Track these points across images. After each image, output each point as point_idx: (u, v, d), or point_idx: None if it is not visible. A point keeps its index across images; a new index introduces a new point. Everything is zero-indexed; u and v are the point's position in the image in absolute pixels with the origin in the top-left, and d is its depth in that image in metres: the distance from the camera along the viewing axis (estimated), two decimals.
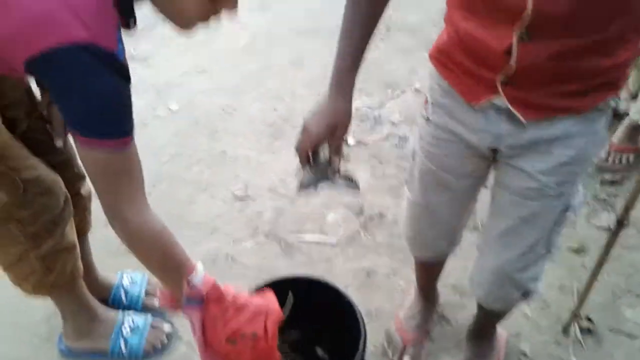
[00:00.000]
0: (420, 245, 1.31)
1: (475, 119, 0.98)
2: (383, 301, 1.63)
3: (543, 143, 0.95)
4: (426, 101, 1.09)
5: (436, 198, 1.16)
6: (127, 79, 0.84)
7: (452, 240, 1.28)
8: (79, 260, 1.31)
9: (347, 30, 0.91)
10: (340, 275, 1.70)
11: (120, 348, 1.46)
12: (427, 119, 1.08)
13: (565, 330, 1.54)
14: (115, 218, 0.90)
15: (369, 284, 1.68)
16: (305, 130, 0.94)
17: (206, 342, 0.99)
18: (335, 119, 0.93)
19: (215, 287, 0.96)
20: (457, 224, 1.24)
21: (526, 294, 1.14)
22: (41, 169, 1.15)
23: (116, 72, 0.81)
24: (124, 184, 0.89)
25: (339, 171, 0.97)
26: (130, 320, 1.50)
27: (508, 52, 0.85)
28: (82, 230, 1.41)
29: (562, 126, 0.92)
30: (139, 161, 0.92)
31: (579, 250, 1.76)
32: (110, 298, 1.58)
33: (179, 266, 0.96)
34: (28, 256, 1.19)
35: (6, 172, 1.07)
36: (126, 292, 1.59)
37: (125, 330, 1.48)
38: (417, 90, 2.50)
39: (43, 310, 1.54)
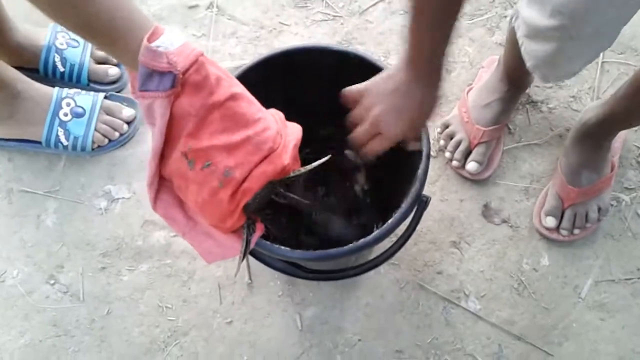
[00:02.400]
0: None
1: None
2: None
3: None
4: None
5: None
6: None
7: None
8: None
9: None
10: (379, 38, 1.15)
11: (59, 138, 1.02)
12: None
13: None
14: None
15: None
16: (375, 123, 0.67)
17: (163, 147, 0.54)
18: (427, 115, 0.66)
19: (200, 66, 0.51)
20: None
21: None
22: None
23: None
24: None
25: None
26: (72, 101, 1.03)
27: None
28: None
29: None
30: None
31: None
32: (41, 65, 1.08)
33: (121, 24, 0.50)
34: None
35: None
36: (62, 57, 1.09)
37: (65, 114, 1.02)
38: None
39: None
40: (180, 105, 0.51)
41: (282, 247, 0.66)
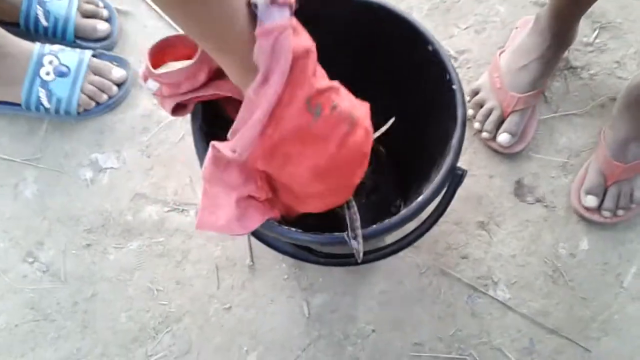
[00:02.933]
0: None
1: None
2: (468, 39, 0.99)
3: None
4: None
5: None
6: None
7: None
8: None
9: None
10: None
11: (40, 100, 0.91)
12: None
13: None
14: None
15: (446, 8, 1.02)
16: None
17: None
18: None
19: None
20: None
21: None
22: None
23: None
24: None
25: None
26: (55, 58, 0.92)
27: None
28: None
29: None
30: None
31: None
32: (21, 18, 0.96)
33: None
34: None
35: None
36: (46, 10, 0.97)
37: (47, 73, 0.91)
38: None
39: None
40: (296, 40, 0.41)
41: (293, 229, 0.55)
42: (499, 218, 0.87)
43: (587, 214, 0.85)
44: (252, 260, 0.86)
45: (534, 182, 0.89)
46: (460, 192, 0.87)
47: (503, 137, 0.87)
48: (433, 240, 0.86)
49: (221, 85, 0.51)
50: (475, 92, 0.92)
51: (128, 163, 0.92)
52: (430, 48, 0.63)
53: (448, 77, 0.62)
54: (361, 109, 0.50)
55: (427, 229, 0.63)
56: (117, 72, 0.95)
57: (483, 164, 0.90)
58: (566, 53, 0.93)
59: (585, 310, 0.82)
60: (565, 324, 0.82)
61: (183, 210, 0.89)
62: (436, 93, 0.65)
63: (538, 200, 0.88)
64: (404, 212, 0.56)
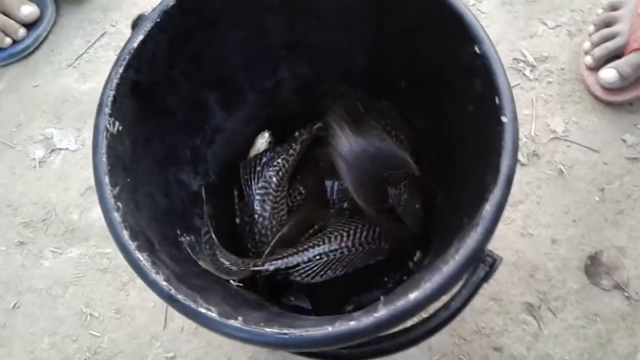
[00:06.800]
0: None
1: None
2: (557, 42, 0.76)
3: None
4: None
5: None
6: None
7: None
8: None
9: None
10: None
11: None
12: None
13: None
14: None
15: None
16: None
17: None
18: None
19: None
20: None
21: None
22: None
23: None
24: None
25: None
26: None
27: None
28: None
29: None
30: None
31: None
32: None
33: None
34: None
35: None
36: None
37: None
38: None
39: None
40: None
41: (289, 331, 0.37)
42: (557, 303, 0.65)
43: None
44: None
45: (617, 258, 0.66)
46: (508, 255, 0.66)
47: (608, 73, 0.70)
48: (459, 316, 0.66)
49: None
50: (614, 7, 0.74)
51: (87, 146, 0.77)
52: (477, 49, 0.43)
53: (498, 100, 0.42)
54: None
55: (423, 336, 0.43)
56: (26, 9, 0.79)
57: (546, 220, 0.68)
58: None
59: None
60: None
61: None
62: (476, 122, 0.45)
63: (617, 287, 0.65)
64: (380, 314, 0.37)
